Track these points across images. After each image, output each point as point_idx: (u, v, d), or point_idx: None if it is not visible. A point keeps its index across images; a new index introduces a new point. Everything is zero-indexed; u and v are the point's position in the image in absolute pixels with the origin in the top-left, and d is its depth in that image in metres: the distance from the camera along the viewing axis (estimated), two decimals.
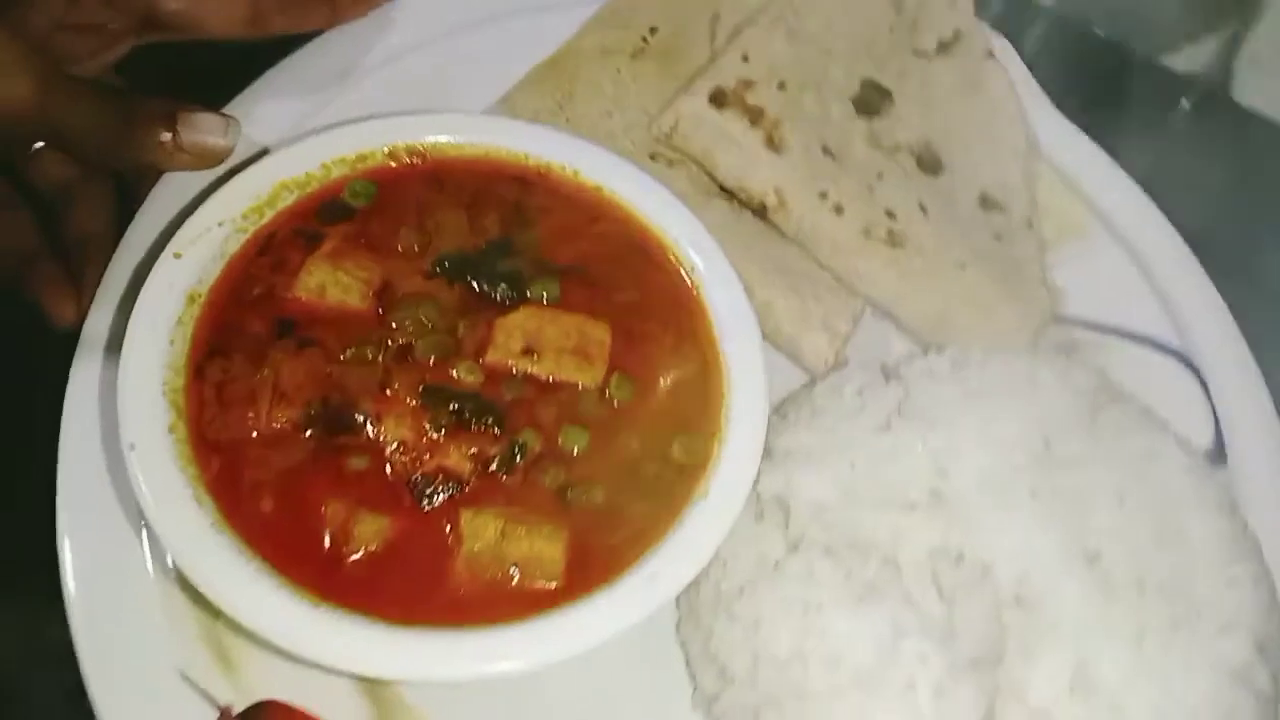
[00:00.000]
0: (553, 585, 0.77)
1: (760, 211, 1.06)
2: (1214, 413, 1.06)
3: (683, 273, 0.93)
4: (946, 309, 1.02)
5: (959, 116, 1.15)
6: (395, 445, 0.80)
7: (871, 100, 1.11)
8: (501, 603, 0.76)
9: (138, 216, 0.97)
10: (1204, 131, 1.44)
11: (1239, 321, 1.12)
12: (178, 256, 0.85)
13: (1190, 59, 1.46)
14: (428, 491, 0.79)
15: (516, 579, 0.77)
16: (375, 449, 0.80)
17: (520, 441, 0.81)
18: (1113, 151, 1.23)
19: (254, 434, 0.79)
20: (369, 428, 0.80)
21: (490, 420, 0.81)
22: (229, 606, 0.72)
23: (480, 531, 0.77)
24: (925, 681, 0.75)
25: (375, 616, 0.73)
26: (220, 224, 0.87)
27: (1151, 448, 0.83)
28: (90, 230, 0.99)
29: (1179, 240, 1.17)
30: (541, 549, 0.77)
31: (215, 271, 0.86)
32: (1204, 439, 1.04)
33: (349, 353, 0.83)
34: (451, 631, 0.74)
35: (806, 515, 0.82)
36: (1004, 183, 1.13)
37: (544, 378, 0.85)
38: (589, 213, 0.95)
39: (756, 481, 0.83)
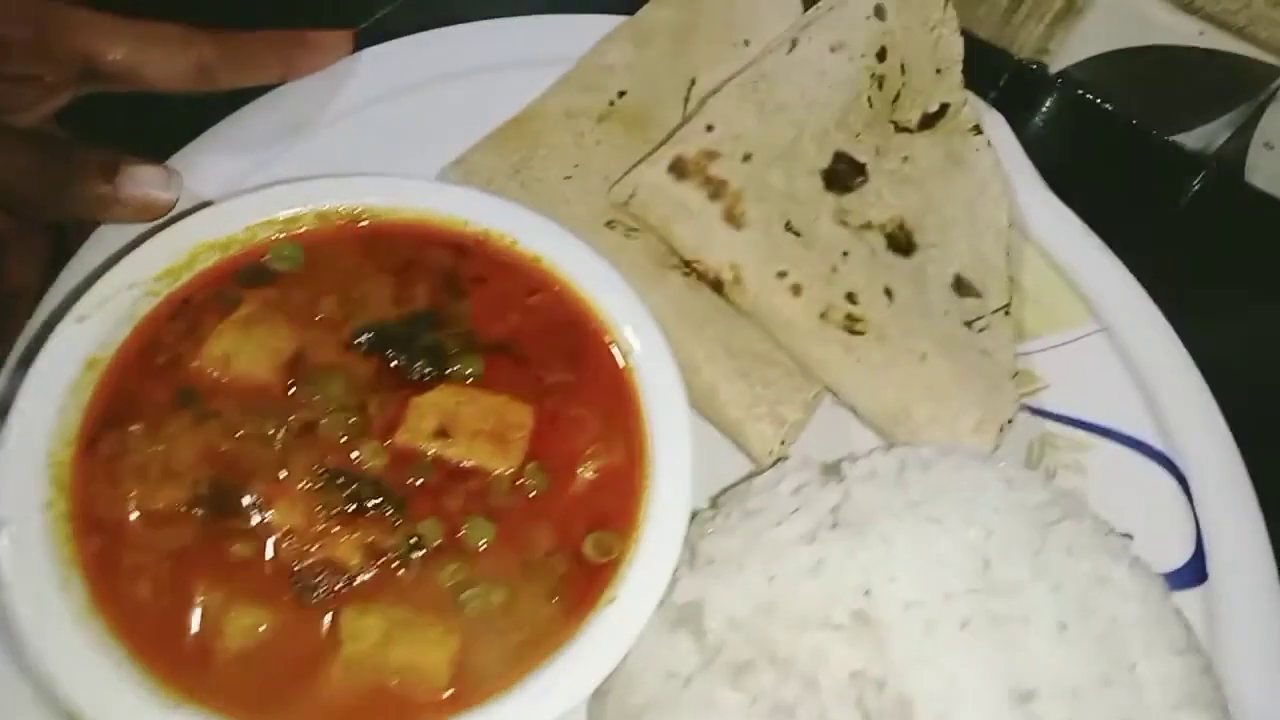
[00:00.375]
0: (437, 696, 0.72)
1: (717, 287, 1.00)
2: (1196, 524, 0.98)
3: (618, 355, 0.88)
4: (905, 401, 0.95)
5: (938, 194, 1.09)
6: (283, 532, 0.75)
7: (843, 175, 1.06)
8: (380, 713, 0.71)
9: (64, 273, 0.94)
10: (1214, 214, 1.37)
11: (1234, 425, 1.05)
12: (81, 320, 0.81)
13: (1203, 138, 1.39)
14: (311, 584, 0.74)
15: (397, 686, 0.71)
16: (262, 535, 0.75)
17: (419, 533, 0.77)
18: (1118, 232, 1.17)
19: (138, 513, 0.75)
20: (257, 512, 0.75)
21: (389, 508, 0.77)
22: (77, 703, 0.67)
23: (362, 632, 0.72)
24: None
25: None
26: (131, 286, 0.83)
27: (1102, 572, 0.76)
28: (19, 283, 0.96)
29: (1171, 334, 1.10)
30: (426, 655, 0.72)
31: (121, 336, 0.82)
32: (1183, 552, 0.97)
33: (247, 428, 0.78)
34: None
35: (721, 628, 0.76)
36: (982, 266, 1.06)
37: (454, 462, 0.80)
38: (526, 285, 0.91)
39: (672, 588, 0.78)
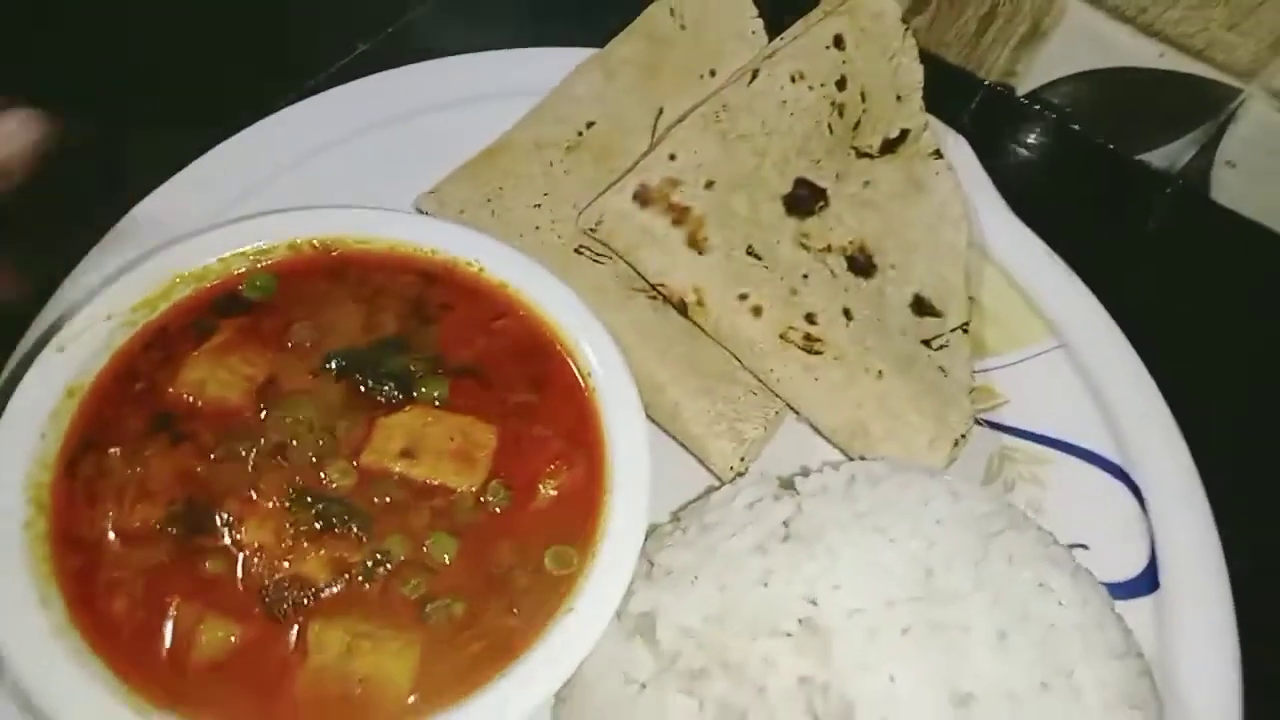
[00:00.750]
0: (400, 703, 0.75)
1: (681, 309, 1.04)
2: (1150, 535, 1.01)
3: (579, 377, 0.91)
4: (862, 418, 0.98)
5: (899, 217, 1.12)
6: (254, 549, 0.78)
7: (804, 200, 1.09)
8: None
9: (45, 309, 0.97)
10: (1180, 230, 1.40)
11: (1195, 440, 1.07)
12: (60, 350, 0.85)
13: (1167, 157, 1.42)
14: (280, 598, 0.77)
15: (361, 694, 0.74)
16: (234, 552, 0.78)
17: (384, 549, 0.80)
18: (1086, 249, 1.20)
19: (115, 532, 0.78)
20: (229, 530, 0.79)
21: (355, 526, 0.80)
22: (57, 713, 0.70)
23: (327, 644, 0.75)
24: None
25: None
26: (109, 317, 0.87)
27: (1043, 580, 0.79)
28: None
29: (1129, 349, 1.13)
30: (388, 665, 0.75)
31: (99, 365, 0.86)
32: (1137, 562, 0.99)
33: (220, 451, 0.82)
34: None
35: (674, 637, 0.79)
36: (942, 286, 1.09)
37: (420, 481, 0.83)
38: (491, 310, 0.94)
39: (628, 599, 0.81)
